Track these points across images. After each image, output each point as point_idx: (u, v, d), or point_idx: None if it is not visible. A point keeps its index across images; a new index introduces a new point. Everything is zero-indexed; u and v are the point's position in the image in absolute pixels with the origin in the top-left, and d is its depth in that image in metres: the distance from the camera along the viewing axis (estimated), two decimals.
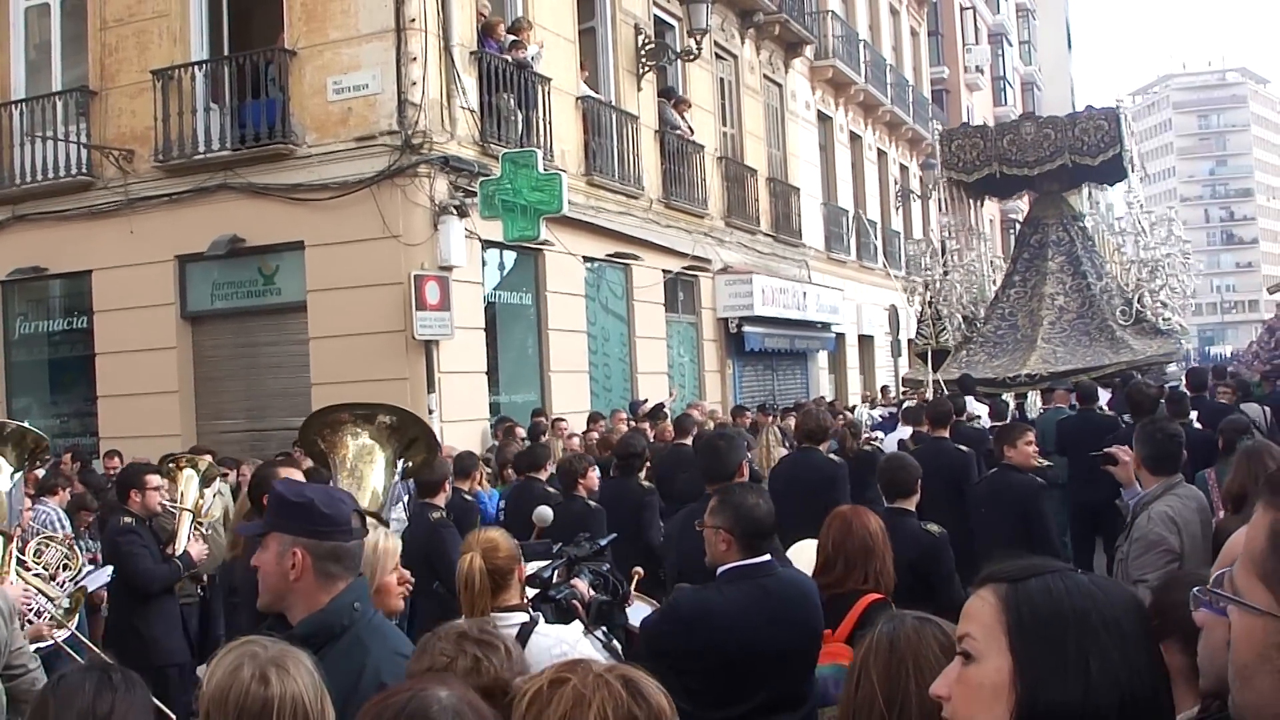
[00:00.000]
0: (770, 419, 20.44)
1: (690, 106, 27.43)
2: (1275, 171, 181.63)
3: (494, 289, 21.15)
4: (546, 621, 5.65)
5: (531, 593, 5.98)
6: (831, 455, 12.13)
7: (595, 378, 23.44)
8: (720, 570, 5.93)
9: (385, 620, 4.56)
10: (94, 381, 21.37)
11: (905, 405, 21.85)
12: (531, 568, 6.17)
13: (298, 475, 7.50)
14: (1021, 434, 10.94)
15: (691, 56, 27.11)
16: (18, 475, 7.88)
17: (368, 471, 7.10)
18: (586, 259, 23.11)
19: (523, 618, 5.43)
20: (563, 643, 5.33)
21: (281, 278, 19.90)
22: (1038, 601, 2.37)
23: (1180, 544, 7.43)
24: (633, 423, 19.35)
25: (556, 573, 6.29)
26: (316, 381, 18.91)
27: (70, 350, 22.23)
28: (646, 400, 22.35)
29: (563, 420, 19.38)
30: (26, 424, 8.42)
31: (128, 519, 9.82)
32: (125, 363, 20.54)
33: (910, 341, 30.82)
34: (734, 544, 5.86)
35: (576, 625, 5.78)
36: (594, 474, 11.49)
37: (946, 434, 13.31)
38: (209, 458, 11.79)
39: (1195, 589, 2.32)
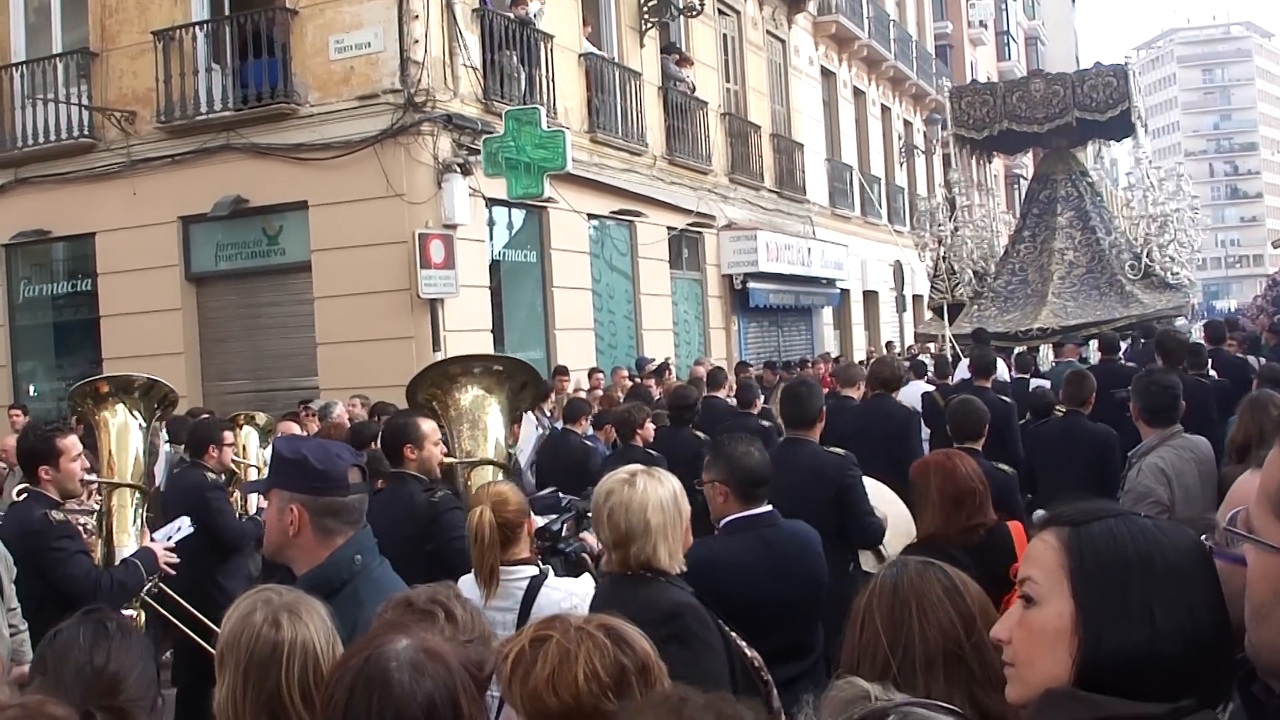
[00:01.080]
0: (777, 376, 20.46)
1: (693, 63, 27.35)
2: (1279, 125, 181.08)
3: (498, 247, 21.12)
4: (556, 575, 5.65)
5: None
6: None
7: (600, 335, 23.43)
8: (722, 522, 5.94)
9: (388, 572, 4.58)
10: (99, 344, 21.35)
11: (916, 358, 21.97)
12: (540, 521, 6.18)
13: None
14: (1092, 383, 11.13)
15: (694, 12, 26.95)
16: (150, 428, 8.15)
17: (487, 421, 7.63)
18: (590, 216, 23.07)
19: (532, 571, 5.47)
20: (573, 595, 5.35)
21: (285, 238, 19.88)
22: (1100, 546, 2.35)
23: (1170, 496, 7.40)
24: (637, 379, 19.37)
25: (566, 526, 6.28)
26: (322, 341, 18.94)
27: (75, 313, 22.25)
28: (654, 359, 22.38)
29: (565, 375, 19.39)
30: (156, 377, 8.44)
31: (211, 474, 9.74)
32: (130, 325, 20.53)
33: (925, 298, 30.82)
34: (730, 495, 5.88)
35: (586, 578, 5.78)
36: (650, 425, 11.62)
37: (988, 384, 13.45)
38: (266, 415, 11.88)
39: (1204, 535, 2.31)
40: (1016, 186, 57.74)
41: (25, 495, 7.12)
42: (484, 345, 19.56)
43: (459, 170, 18.69)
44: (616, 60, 24.24)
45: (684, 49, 27.30)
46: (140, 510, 7.87)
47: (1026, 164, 47.70)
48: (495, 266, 20.82)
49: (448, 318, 18.76)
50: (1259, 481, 1.98)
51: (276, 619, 3.34)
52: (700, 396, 13.66)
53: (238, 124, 19.50)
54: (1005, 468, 8.57)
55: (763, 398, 14.93)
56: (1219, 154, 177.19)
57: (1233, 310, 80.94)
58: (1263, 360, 15.33)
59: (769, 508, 5.97)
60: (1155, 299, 25.63)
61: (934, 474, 6.14)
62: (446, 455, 7.72)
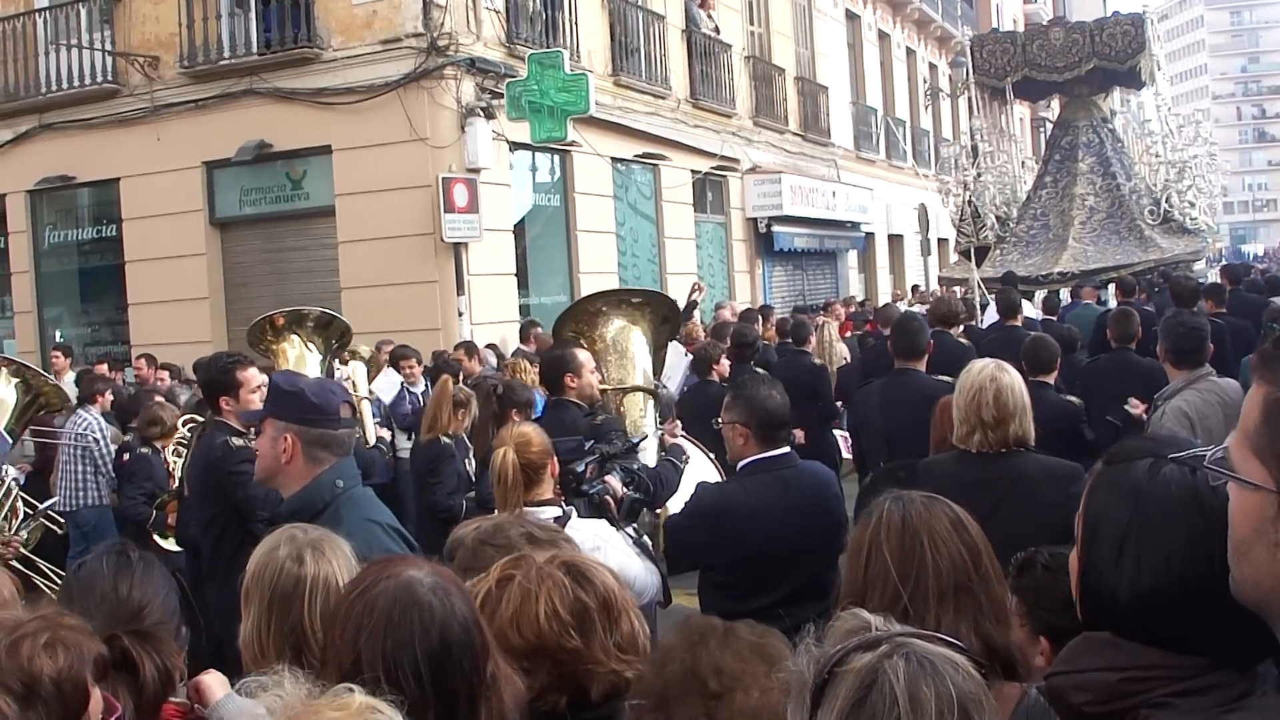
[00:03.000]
0: (820, 318, 20.56)
1: (717, 5, 27.16)
2: None
3: (522, 191, 21.09)
4: (579, 516, 5.69)
5: None
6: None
7: (624, 279, 23.38)
8: (740, 464, 5.97)
9: (367, 492, 4.83)
10: (124, 289, 21.49)
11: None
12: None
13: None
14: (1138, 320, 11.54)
15: None
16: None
17: (633, 351, 8.19)
18: (614, 160, 23.02)
19: (555, 512, 5.49)
20: (596, 537, 5.39)
21: (309, 182, 19.91)
22: (1108, 489, 2.42)
23: (1194, 439, 7.37)
24: None
25: (589, 468, 6.32)
26: (346, 286, 18.96)
27: (100, 259, 22.35)
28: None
29: None
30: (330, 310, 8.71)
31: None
32: (155, 270, 20.60)
33: (952, 241, 30.98)
34: (750, 437, 5.89)
35: (604, 522, 5.83)
36: (725, 361, 12.02)
37: (1018, 323, 13.89)
38: (369, 347, 12.00)
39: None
40: (1041, 130, 57.36)
41: (208, 425, 7.47)
42: (508, 290, 19.61)
43: (482, 114, 18.66)
44: (640, 3, 24.10)
45: None
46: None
47: (1052, 107, 47.48)
48: (519, 210, 20.81)
49: (471, 262, 18.78)
50: (1240, 419, 1.99)
51: (300, 554, 3.43)
52: (757, 335, 14.29)
53: (261, 69, 19.48)
54: (1074, 399, 9.52)
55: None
56: (1246, 97, 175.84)
57: (1260, 254, 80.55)
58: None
59: (787, 449, 6.00)
60: (1174, 244, 26.07)
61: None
62: (602, 383, 8.10)
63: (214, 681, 3.29)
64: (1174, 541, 2.28)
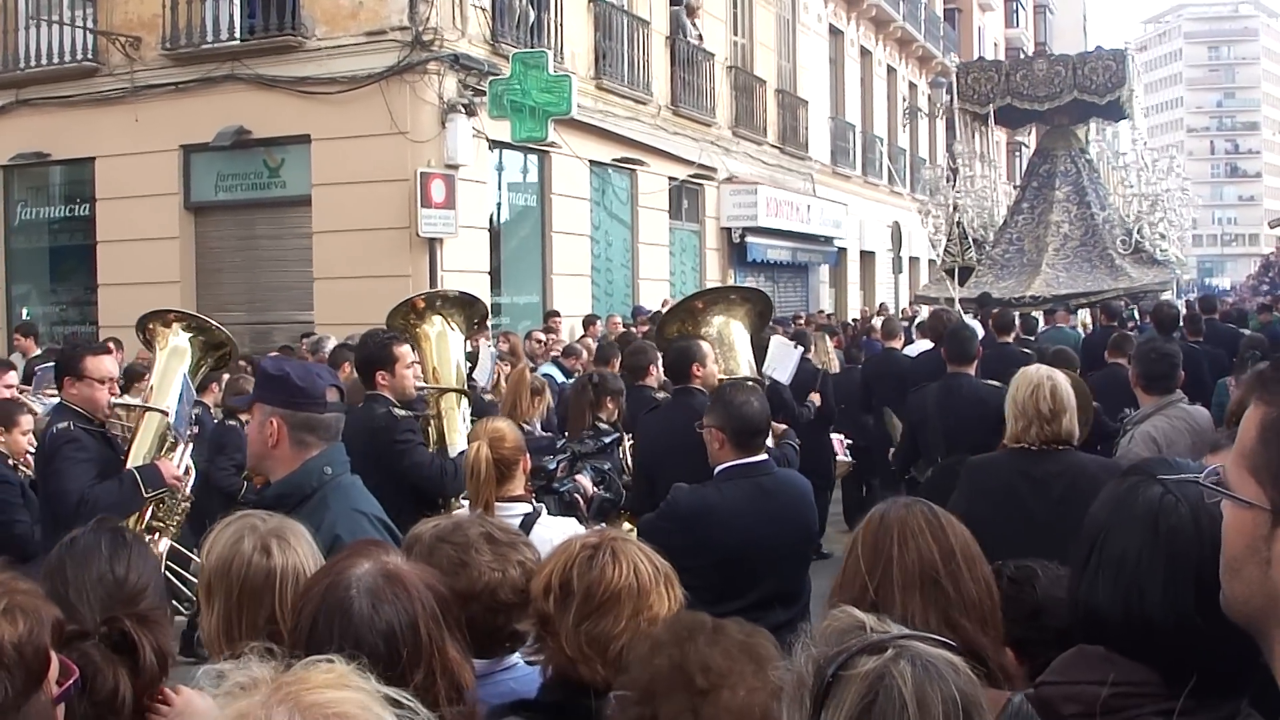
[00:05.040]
0: (814, 326, 20.72)
1: (701, 14, 27.20)
2: None
3: (499, 189, 21.09)
4: (549, 514, 5.70)
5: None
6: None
7: (597, 282, 23.44)
8: (717, 469, 6.01)
9: (356, 482, 4.80)
10: (95, 270, 21.35)
11: (918, 320, 22.32)
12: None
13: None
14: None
15: None
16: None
17: (735, 342, 8.75)
18: (593, 163, 23.04)
19: (526, 508, 5.52)
20: (564, 536, 5.37)
21: (287, 171, 19.83)
22: (1096, 509, 2.58)
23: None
24: (631, 327, 19.43)
25: (561, 466, 6.33)
26: (319, 276, 18.94)
27: (71, 238, 22.20)
28: (649, 309, 22.43)
29: (557, 318, 19.39)
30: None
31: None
32: (127, 252, 20.48)
33: (924, 260, 31.48)
34: (727, 443, 5.95)
35: (574, 521, 5.85)
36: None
37: (1011, 340, 14.48)
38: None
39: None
40: (1017, 155, 57.67)
41: (367, 398, 7.63)
42: (481, 287, 19.56)
43: (463, 111, 18.65)
44: (625, 7, 24.15)
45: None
46: (466, 412, 8.39)
47: (1030, 135, 47.81)
48: (496, 209, 20.83)
49: (446, 258, 18.76)
50: (1237, 438, 2.01)
51: (266, 546, 3.39)
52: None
53: (243, 54, 19.39)
54: None
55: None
56: (1221, 131, 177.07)
57: (1227, 287, 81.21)
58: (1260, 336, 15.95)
59: (764, 456, 6.06)
60: (1143, 274, 26.79)
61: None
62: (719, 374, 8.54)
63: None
64: (1181, 569, 2.33)
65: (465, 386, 8.71)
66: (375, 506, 4.72)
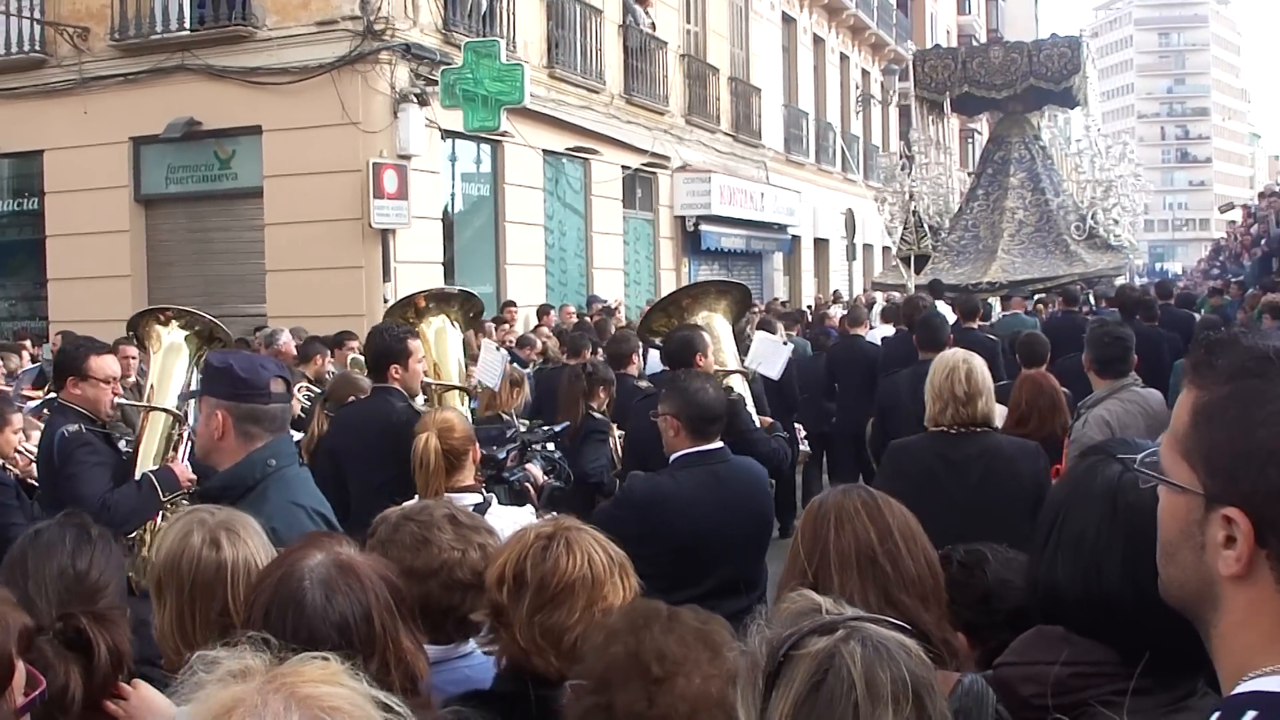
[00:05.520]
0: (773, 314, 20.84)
1: (655, 2, 27.19)
2: (1232, 92, 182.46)
3: (452, 179, 21.03)
4: (500, 503, 5.70)
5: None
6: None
7: (551, 272, 23.43)
8: (672, 457, 6.00)
9: (300, 474, 4.80)
10: (44, 264, 21.20)
11: (876, 306, 22.50)
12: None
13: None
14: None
15: None
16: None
17: (722, 335, 8.99)
18: (546, 152, 23.00)
19: (476, 499, 5.50)
20: (515, 525, 5.36)
21: (238, 162, 19.72)
22: (1055, 489, 2.72)
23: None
24: (586, 316, 19.45)
25: (510, 455, 6.33)
26: (271, 268, 18.85)
27: (19, 232, 22.02)
28: (605, 301, 22.45)
29: (513, 308, 19.37)
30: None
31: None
32: (76, 245, 20.34)
33: (879, 248, 31.65)
34: (682, 430, 5.94)
35: (528, 508, 5.84)
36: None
37: (975, 325, 14.56)
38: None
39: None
40: (970, 141, 57.93)
41: (379, 390, 7.69)
42: (435, 278, 19.51)
43: (415, 101, 18.59)
44: None
45: None
46: (468, 410, 8.44)
47: (983, 122, 48.03)
48: (449, 199, 20.77)
49: (399, 248, 18.70)
50: (1170, 423, 2.01)
51: (215, 539, 3.38)
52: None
53: (193, 44, 19.26)
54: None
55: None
56: (1171, 118, 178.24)
57: (1179, 272, 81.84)
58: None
59: (720, 444, 6.03)
60: (1097, 259, 26.96)
61: (1025, 387, 8.24)
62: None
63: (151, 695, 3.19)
64: (1140, 546, 2.34)
65: (467, 384, 8.83)
66: (316, 499, 4.70)
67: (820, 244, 40.50)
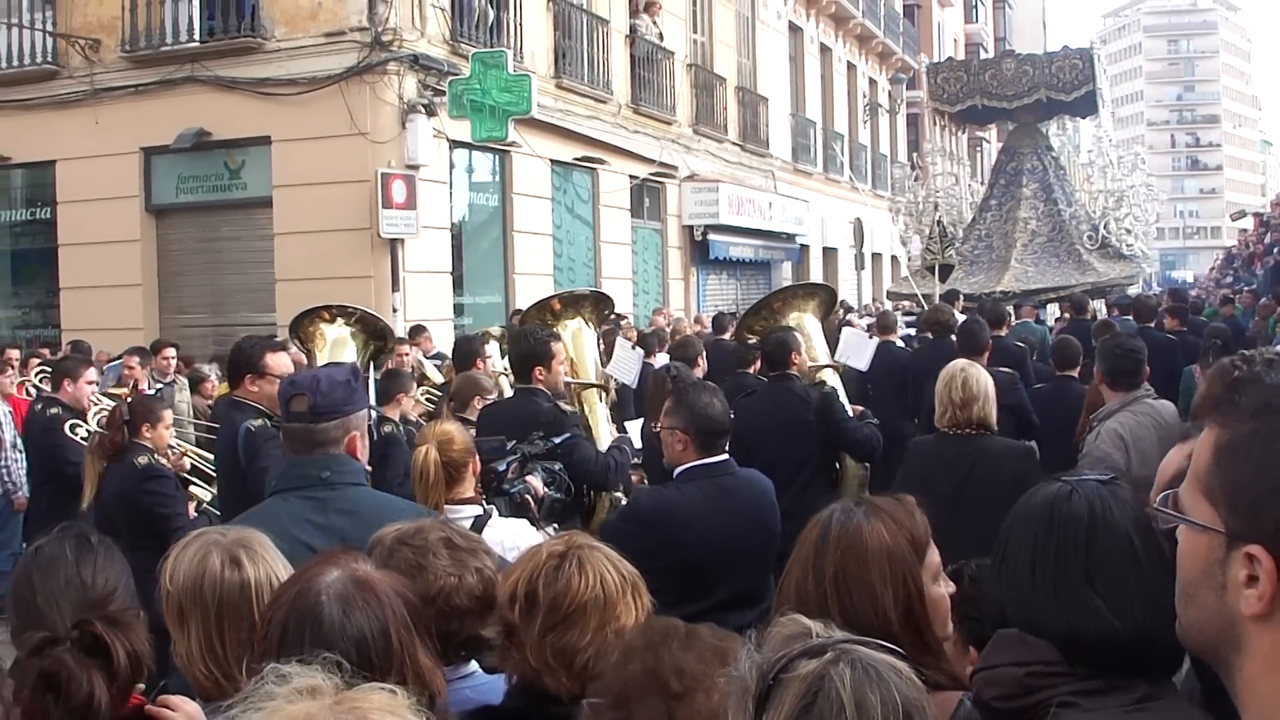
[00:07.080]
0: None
1: (661, 12, 27.20)
2: (1242, 99, 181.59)
3: (461, 189, 21.06)
4: (500, 516, 5.70)
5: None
6: None
7: (560, 281, 23.40)
8: (678, 470, 5.98)
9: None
10: (56, 273, 21.23)
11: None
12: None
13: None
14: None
15: None
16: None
17: (813, 334, 9.82)
18: (554, 162, 23.02)
19: (476, 511, 5.49)
20: (516, 537, 5.39)
21: (247, 172, 19.77)
22: (1010, 513, 2.81)
23: (1127, 461, 7.41)
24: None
25: (511, 468, 6.36)
26: (281, 278, 18.87)
27: (32, 241, 22.08)
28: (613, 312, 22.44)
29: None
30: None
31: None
32: (88, 255, 20.38)
33: (888, 257, 31.55)
34: (690, 444, 5.91)
35: (525, 522, 5.85)
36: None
37: (1003, 332, 14.82)
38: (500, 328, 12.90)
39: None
40: (979, 151, 57.87)
41: (523, 391, 8.02)
42: (443, 287, 19.59)
43: (423, 111, 18.63)
44: (584, 6, 24.14)
45: None
46: (606, 408, 9.00)
47: (992, 132, 47.95)
48: (457, 209, 20.78)
49: (408, 258, 18.73)
50: (1192, 460, 1.99)
51: (235, 558, 3.36)
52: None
53: (203, 56, 19.33)
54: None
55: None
56: (1181, 125, 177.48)
57: (1190, 280, 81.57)
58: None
59: (725, 456, 6.02)
60: (1109, 268, 26.95)
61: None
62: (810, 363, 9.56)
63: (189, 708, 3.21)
64: (1070, 550, 2.48)
65: (605, 382, 9.32)
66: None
67: (829, 253, 40.41)
